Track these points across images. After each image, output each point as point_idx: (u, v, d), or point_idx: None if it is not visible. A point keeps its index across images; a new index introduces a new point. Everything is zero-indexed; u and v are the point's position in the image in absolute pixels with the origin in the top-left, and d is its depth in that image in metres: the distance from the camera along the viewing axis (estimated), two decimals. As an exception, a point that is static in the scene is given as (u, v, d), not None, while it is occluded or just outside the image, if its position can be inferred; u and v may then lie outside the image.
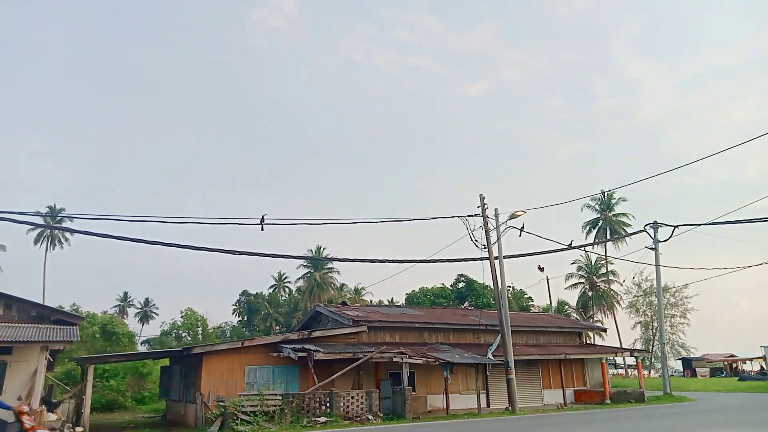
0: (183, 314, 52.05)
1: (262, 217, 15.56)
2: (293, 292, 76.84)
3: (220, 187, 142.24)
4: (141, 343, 57.28)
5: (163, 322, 70.32)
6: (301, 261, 67.74)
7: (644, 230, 30.35)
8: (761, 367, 51.41)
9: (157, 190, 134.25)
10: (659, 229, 29.90)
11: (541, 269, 47.39)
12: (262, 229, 15.97)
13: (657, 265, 30.26)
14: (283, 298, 78.23)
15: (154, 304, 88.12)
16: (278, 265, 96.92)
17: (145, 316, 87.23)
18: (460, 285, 63.77)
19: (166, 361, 26.24)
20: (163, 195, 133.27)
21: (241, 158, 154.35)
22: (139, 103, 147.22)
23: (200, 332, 52.18)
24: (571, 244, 24.85)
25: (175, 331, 51.97)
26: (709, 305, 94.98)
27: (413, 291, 64.75)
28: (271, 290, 77.41)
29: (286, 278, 78.02)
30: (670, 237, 27.87)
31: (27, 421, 11.20)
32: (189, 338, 50.30)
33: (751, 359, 56.50)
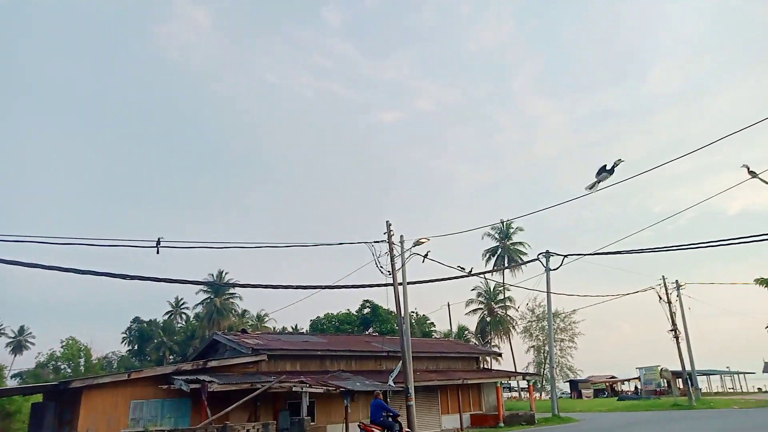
0: (63, 344, 47.65)
1: (158, 240, 14.75)
2: (191, 319, 73.01)
3: (118, 207, 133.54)
4: (11, 377, 51.58)
5: (39, 353, 63.84)
6: (201, 286, 64.75)
7: (537, 259, 32.23)
8: (636, 387, 55.82)
9: (48, 208, 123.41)
10: (551, 258, 31.90)
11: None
12: (158, 252, 15.13)
13: (548, 291, 32.15)
14: (179, 325, 74.03)
15: (30, 333, 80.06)
16: (176, 291, 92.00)
17: (18, 346, 78.90)
18: (366, 311, 63.84)
19: (39, 398, 23.72)
20: (55, 214, 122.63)
21: (140, 175, 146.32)
22: (35, 115, 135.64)
23: (83, 363, 47.92)
24: (470, 271, 25.78)
25: (53, 362, 47.37)
26: (594, 330, 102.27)
27: (318, 317, 63.89)
28: (166, 317, 73.03)
29: (183, 304, 74.04)
30: (560, 266, 29.81)
31: None
32: (69, 370, 46.02)
33: (628, 380, 61.16)
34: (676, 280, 41.14)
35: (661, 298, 37.17)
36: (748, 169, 12.57)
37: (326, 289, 23.81)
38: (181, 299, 74.01)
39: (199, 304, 67.45)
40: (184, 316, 74.33)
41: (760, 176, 12.79)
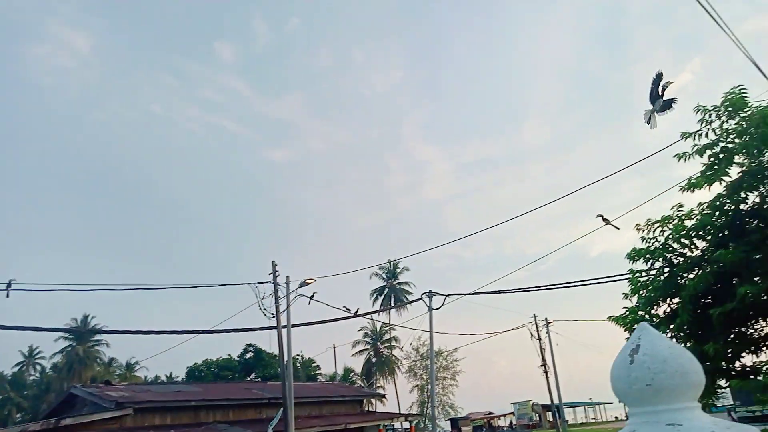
0: None
1: (9, 282, 13.26)
2: (47, 370, 65.21)
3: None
4: None
5: None
6: (61, 333, 58.38)
7: (421, 299, 33.06)
8: (510, 422, 58.47)
9: None
10: (434, 297, 32.87)
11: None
12: (8, 296, 13.55)
13: (431, 331, 32.96)
14: (32, 377, 65.78)
15: None
16: (29, 339, 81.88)
17: None
18: (248, 355, 61.18)
19: None
20: None
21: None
22: None
23: None
24: (356, 311, 25.79)
25: None
26: (474, 367, 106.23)
27: (196, 364, 60.04)
28: (16, 369, 64.60)
29: (38, 353, 66.03)
30: (442, 305, 30.99)
31: None
32: None
33: (504, 415, 63.83)
34: (546, 318, 44.19)
35: (532, 335, 39.66)
36: (602, 217, 14.01)
37: (204, 334, 22.54)
38: (36, 348, 66.00)
39: (58, 353, 60.64)
40: (38, 367, 66.28)
41: (612, 223, 14.28)
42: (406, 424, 56.72)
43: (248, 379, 54.63)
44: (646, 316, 9.64)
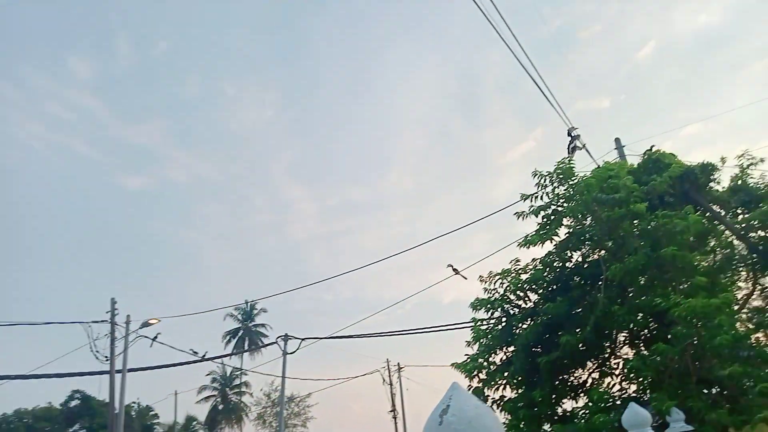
0: None
1: None
2: None
3: None
4: None
5: None
6: None
7: (276, 342, 32.05)
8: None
9: None
10: (289, 341, 32.00)
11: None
12: None
13: (283, 376, 31.94)
14: None
15: None
16: None
17: None
18: (74, 403, 54.14)
19: None
20: None
21: None
22: None
23: None
24: (204, 355, 24.25)
25: None
26: (327, 412, 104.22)
27: (5, 414, 51.73)
28: None
29: None
30: (298, 349, 30.32)
31: None
32: None
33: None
34: (398, 363, 45.10)
35: (384, 380, 40.17)
36: (452, 267, 14.84)
37: (17, 379, 19.58)
38: None
39: None
40: None
41: (461, 273, 15.17)
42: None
43: (71, 431, 48.27)
44: (485, 363, 10.20)
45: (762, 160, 11.11)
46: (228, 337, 59.77)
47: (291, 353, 31.76)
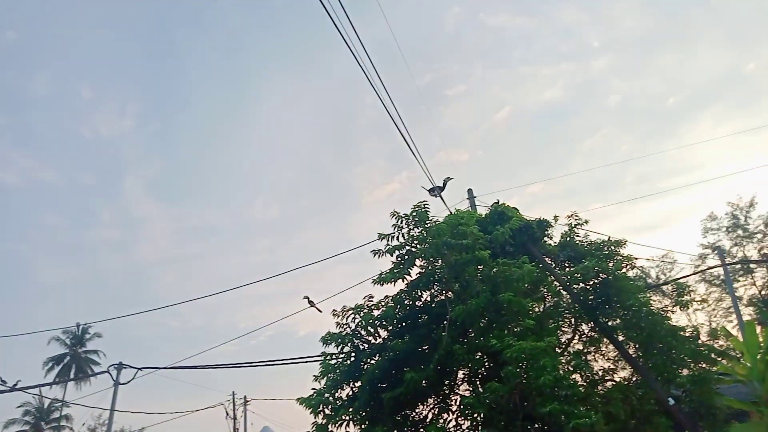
0: None
1: None
2: None
3: None
4: None
5: None
6: None
7: (107, 371, 29.08)
8: None
9: None
10: (123, 370, 29.20)
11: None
12: None
13: (112, 409, 28.99)
14: None
15: None
16: None
17: None
18: None
19: None
20: None
21: None
22: None
23: None
24: (15, 384, 21.24)
25: None
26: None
27: None
28: None
29: None
30: (133, 378, 27.76)
31: None
32: None
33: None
34: (245, 396, 43.23)
35: (228, 414, 38.15)
36: (308, 299, 14.71)
37: None
38: None
39: None
40: None
41: (316, 306, 15.07)
42: None
43: None
44: (331, 398, 10.16)
45: (587, 221, 12.69)
46: (51, 364, 52.78)
47: (125, 383, 28.97)
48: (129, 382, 28.16)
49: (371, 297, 10.49)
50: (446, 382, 10.49)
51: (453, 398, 10.52)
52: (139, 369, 27.29)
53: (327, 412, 10.09)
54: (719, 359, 13.68)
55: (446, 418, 10.08)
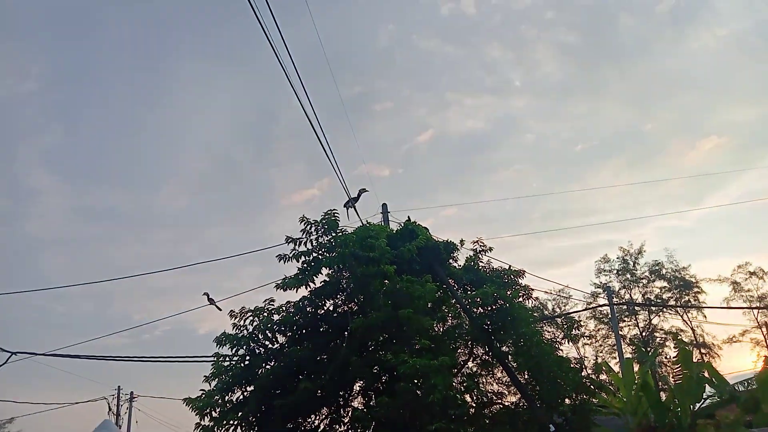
0: None
1: None
2: None
3: None
4: None
5: None
6: None
7: (-26, 355, 26.47)
8: None
9: None
10: (-6, 355, 26.70)
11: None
12: None
13: (-25, 398, 26.35)
14: None
15: None
16: None
17: None
18: None
19: None
20: None
21: None
22: None
23: None
24: None
25: None
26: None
27: None
28: None
29: None
30: (5, 363, 25.40)
31: None
32: None
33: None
34: (131, 392, 40.75)
35: (111, 410, 35.81)
36: (208, 296, 14.20)
37: None
38: None
39: None
40: None
41: (216, 304, 14.57)
42: None
43: None
44: (220, 401, 9.80)
45: (491, 249, 13.19)
46: None
47: (-8, 370, 26.46)
48: (0, 366, 25.76)
49: (272, 301, 10.29)
50: (341, 394, 10.43)
51: (347, 410, 10.48)
52: (13, 353, 24.98)
53: (214, 414, 9.72)
54: (599, 392, 14.58)
55: (338, 430, 10.02)
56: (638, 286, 37.51)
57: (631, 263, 37.72)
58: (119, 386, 38.08)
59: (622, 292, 37.37)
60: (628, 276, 37.60)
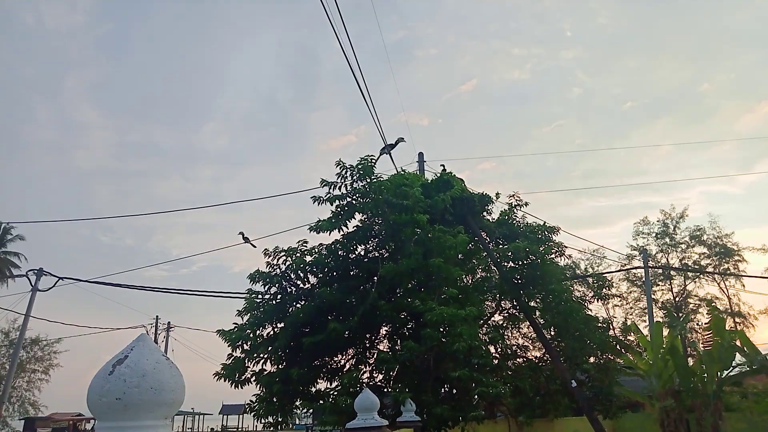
0: None
1: None
2: None
3: None
4: None
5: None
6: None
7: (26, 276, 28.07)
8: (93, 426, 53.96)
9: None
10: (43, 277, 28.22)
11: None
12: None
13: (27, 314, 28.12)
14: None
15: None
16: None
17: None
18: None
19: None
20: None
21: None
22: None
23: None
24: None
25: None
26: (76, 362, 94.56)
27: None
28: None
29: None
30: (53, 287, 26.96)
31: None
32: None
33: (93, 418, 58.46)
34: (168, 322, 42.87)
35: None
36: (243, 234, 14.54)
37: None
38: None
39: None
40: None
41: (251, 242, 14.93)
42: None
43: None
44: (251, 335, 10.18)
45: (527, 204, 13.00)
46: (-33, 261, 50.41)
47: (43, 291, 28.04)
48: (48, 289, 27.25)
49: (305, 242, 10.43)
50: (368, 336, 10.69)
51: (372, 352, 10.74)
52: (60, 278, 26.45)
53: (246, 347, 10.12)
54: (625, 352, 14.55)
55: (362, 370, 10.30)
56: (676, 251, 36.62)
57: (672, 227, 36.68)
58: (157, 316, 40.09)
59: (659, 255, 36.61)
60: (667, 240, 36.68)
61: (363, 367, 10.40)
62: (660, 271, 36.06)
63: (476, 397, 9.87)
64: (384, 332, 10.95)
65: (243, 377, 10.00)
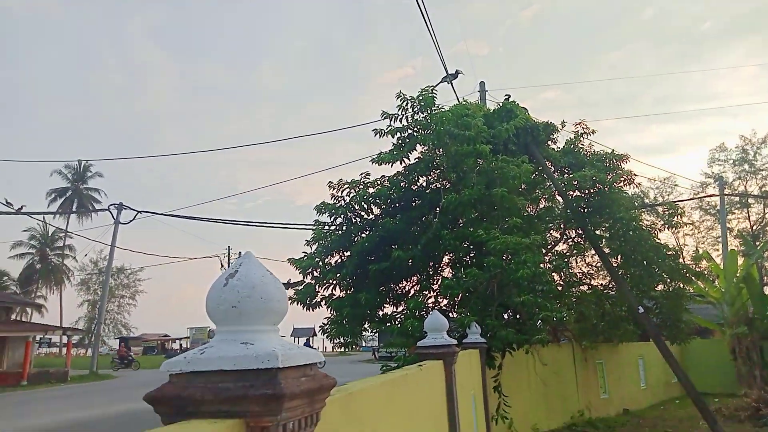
0: None
1: None
2: None
3: None
4: None
5: None
6: None
7: (108, 209, 30.24)
8: (180, 345, 58.97)
9: None
10: (123, 211, 30.29)
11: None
12: None
13: (112, 245, 30.51)
14: None
15: None
16: None
17: None
18: None
19: None
20: None
21: None
22: None
23: None
24: (21, 208, 22.15)
25: None
26: (158, 289, 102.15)
27: None
28: None
29: None
30: (133, 220, 29.00)
31: None
32: None
33: (179, 339, 63.70)
34: (239, 252, 45.25)
35: (223, 266, 40.26)
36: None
37: None
38: None
39: None
40: None
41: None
42: (65, 339, 51.65)
43: None
44: (320, 263, 10.70)
45: (594, 132, 12.54)
46: (53, 195, 54.37)
47: (125, 223, 30.19)
48: (129, 222, 29.39)
49: (368, 174, 10.61)
50: (431, 264, 10.95)
51: (435, 279, 11.03)
52: (139, 212, 28.37)
53: (315, 274, 10.67)
54: (695, 280, 14.24)
55: (427, 295, 10.64)
56: (756, 178, 34.53)
57: (752, 153, 34.45)
58: (229, 246, 42.36)
59: (736, 183, 34.66)
60: (746, 167, 34.55)
61: (427, 293, 10.72)
62: (737, 198, 34.23)
63: (540, 321, 10.03)
64: (446, 261, 11.16)
65: (314, 301, 10.61)
